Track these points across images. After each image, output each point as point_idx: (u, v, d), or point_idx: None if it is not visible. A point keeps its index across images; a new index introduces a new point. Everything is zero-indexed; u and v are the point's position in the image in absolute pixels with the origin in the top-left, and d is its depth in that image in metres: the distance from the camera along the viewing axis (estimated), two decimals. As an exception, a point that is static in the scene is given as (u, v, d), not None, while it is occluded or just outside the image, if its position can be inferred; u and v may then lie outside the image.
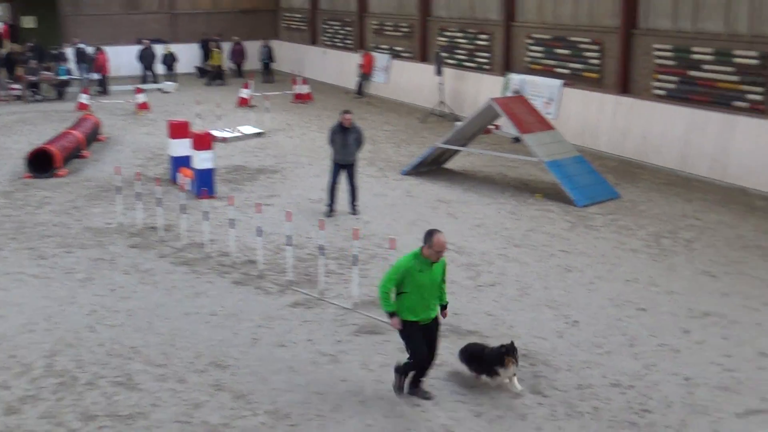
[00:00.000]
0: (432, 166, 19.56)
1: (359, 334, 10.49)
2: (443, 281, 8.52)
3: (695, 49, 19.56)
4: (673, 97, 20.10)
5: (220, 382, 9.27)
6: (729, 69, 18.78)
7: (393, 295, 8.23)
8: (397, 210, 16.23)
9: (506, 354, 8.67)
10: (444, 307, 8.65)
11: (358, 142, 15.78)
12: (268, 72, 37.04)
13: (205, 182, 16.75)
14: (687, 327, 10.62)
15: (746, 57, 18.38)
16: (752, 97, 18.26)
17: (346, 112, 15.71)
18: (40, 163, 19.08)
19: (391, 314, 8.27)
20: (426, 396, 8.62)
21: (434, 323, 8.49)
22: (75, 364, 9.74)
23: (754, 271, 12.70)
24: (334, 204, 15.96)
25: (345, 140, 15.51)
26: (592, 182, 17.11)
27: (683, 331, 10.49)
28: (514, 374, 8.79)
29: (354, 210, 16.05)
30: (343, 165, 15.72)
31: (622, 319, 10.90)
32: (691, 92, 19.61)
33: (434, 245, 7.93)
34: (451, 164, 19.94)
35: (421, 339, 8.29)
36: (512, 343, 8.79)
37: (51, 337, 10.48)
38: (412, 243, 13.81)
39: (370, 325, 10.72)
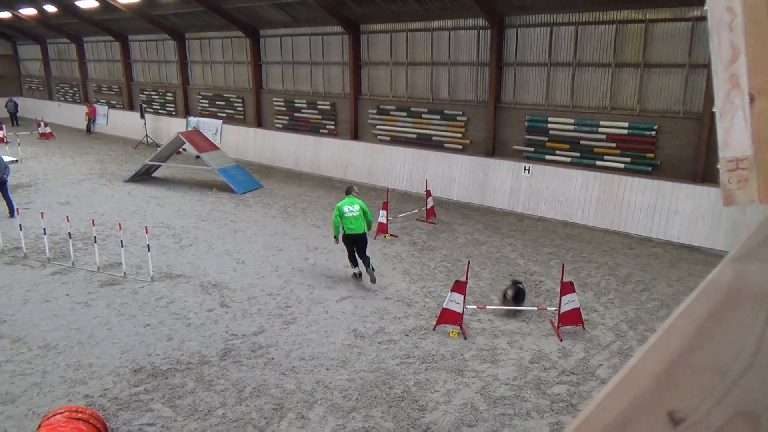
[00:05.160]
0: (144, 176, 17.83)
1: (104, 286, 9.34)
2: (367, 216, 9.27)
3: (296, 100, 19.92)
4: (286, 128, 20.34)
5: None
6: (315, 112, 19.40)
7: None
8: (122, 205, 14.61)
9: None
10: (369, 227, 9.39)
11: None
12: (15, 118, 31.23)
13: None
14: (306, 256, 10.90)
15: (323, 105, 19.10)
16: (329, 127, 19.09)
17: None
18: None
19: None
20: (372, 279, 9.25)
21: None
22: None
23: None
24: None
25: None
26: (245, 179, 16.74)
27: (304, 259, 10.75)
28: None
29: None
30: None
31: (269, 256, 10.88)
32: (297, 125, 20.00)
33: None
34: (156, 174, 18.34)
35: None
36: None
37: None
38: (135, 226, 12.68)
39: (110, 279, 9.60)
